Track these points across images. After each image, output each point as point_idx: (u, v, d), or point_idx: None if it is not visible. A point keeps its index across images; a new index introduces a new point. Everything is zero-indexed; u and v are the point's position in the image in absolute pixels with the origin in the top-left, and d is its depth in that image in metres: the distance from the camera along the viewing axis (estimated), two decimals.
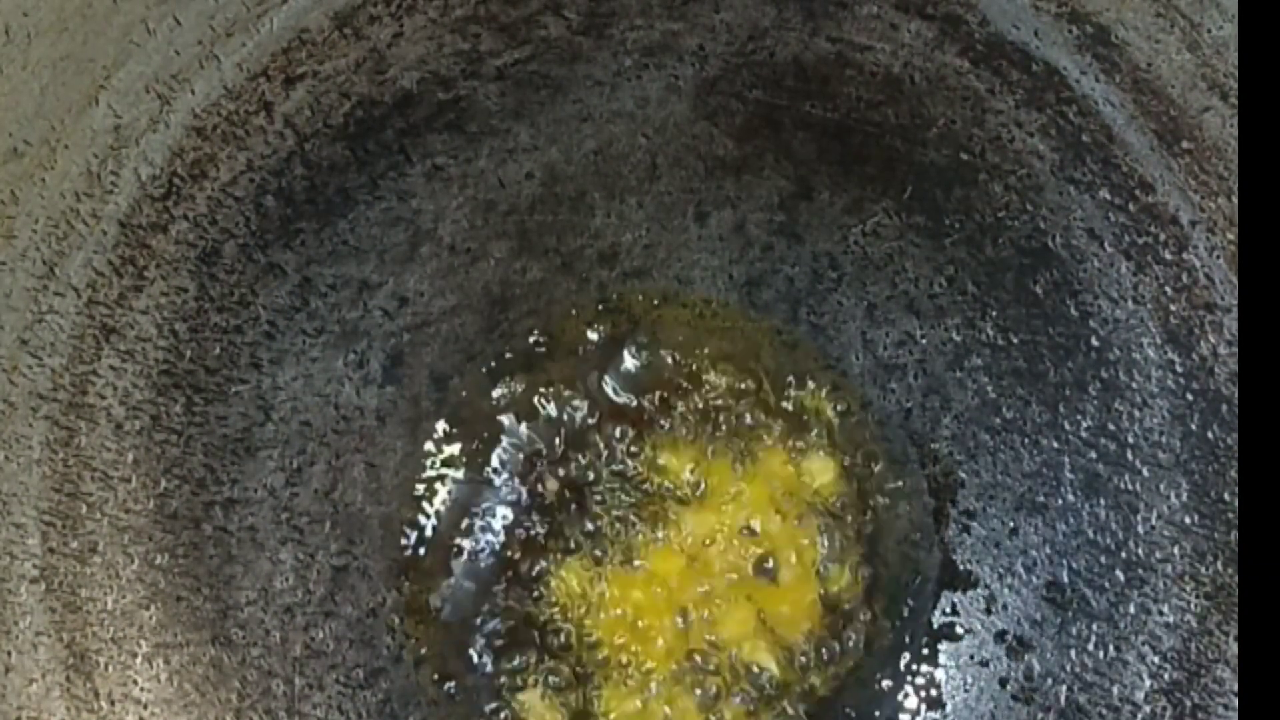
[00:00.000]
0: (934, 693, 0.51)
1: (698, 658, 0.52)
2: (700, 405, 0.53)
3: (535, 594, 0.52)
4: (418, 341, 0.52)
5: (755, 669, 0.52)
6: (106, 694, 0.47)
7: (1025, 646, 0.50)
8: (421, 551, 0.52)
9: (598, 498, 0.53)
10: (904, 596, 0.52)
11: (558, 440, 0.53)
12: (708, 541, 0.52)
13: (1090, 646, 0.49)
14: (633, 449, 0.53)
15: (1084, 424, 0.50)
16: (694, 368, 0.54)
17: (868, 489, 0.53)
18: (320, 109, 0.49)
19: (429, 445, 0.53)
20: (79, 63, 0.46)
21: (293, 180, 0.49)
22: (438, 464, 0.53)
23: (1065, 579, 0.50)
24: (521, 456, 0.53)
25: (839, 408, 0.53)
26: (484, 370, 0.53)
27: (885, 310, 0.52)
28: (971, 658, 0.51)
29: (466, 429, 0.53)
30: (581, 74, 0.51)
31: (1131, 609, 0.49)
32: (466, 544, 0.53)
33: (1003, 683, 0.50)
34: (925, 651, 0.52)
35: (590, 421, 0.53)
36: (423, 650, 0.52)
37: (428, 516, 0.53)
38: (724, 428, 0.53)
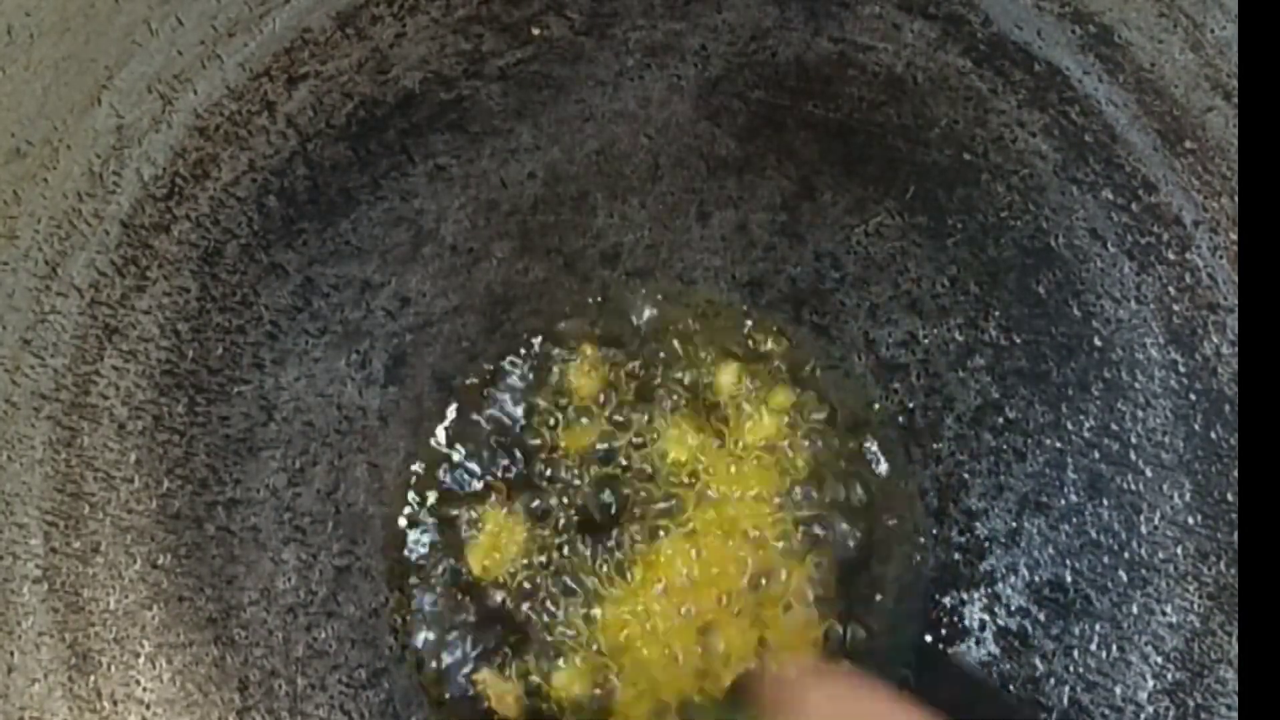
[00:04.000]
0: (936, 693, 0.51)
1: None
2: (705, 406, 0.53)
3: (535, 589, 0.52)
4: (420, 341, 0.52)
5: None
6: (109, 694, 0.47)
7: (1028, 647, 0.50)
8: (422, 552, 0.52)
9: (596, 499, 0.53)
10: (906, 597, 0.52)
11: (553, 442, 0.53)
12: (709, 547, 0.52)
13: (1093, 647, 0.49)
14: (635, 450, 0.53)
15: (1087, 424, 0.50)
16: (698, 367, 0.54)
17: (869, 488, 0.53)
18: (323, 109, 0.49)
19: (430, 445, 0.53)
20: (81, 63, 0.46)
21: (295, 180, 0.49)
22: (438, 465, 0.53)
23: (1068, 579, 0.50)
24: (521, 454, 0.53)
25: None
26: (486, 370, 0.53)
27: (888, 310, 0.52)
28: (974, 658, 0.51)
29: (467, 428, 0.53)
30: (584, 74, 0.51)
31: (1134, 609, 0.49)
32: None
33: (1006, 683, 0.50)
34: (928, 652, 0.51)
35: (591, 423, 0.53)
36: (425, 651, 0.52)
37: (429, 517, 0.53)
38: (729, 426, 0.53)
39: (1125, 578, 0.49)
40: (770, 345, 0.53)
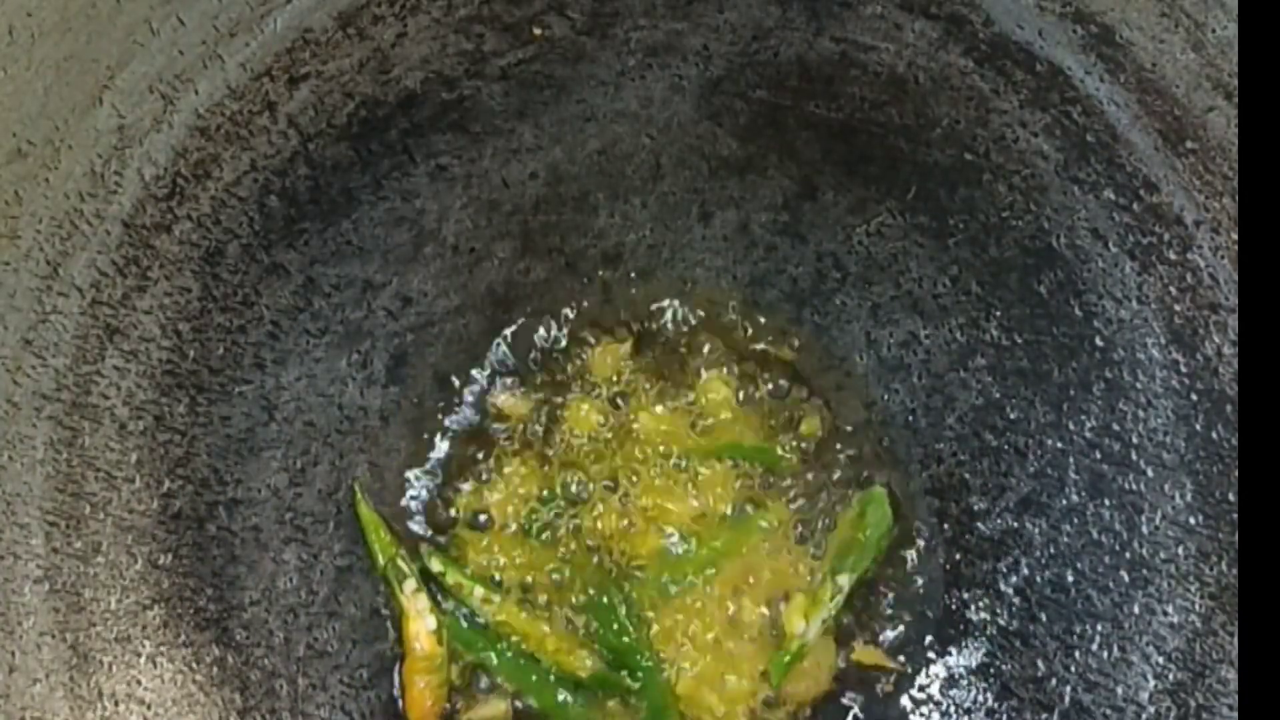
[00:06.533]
0: (938, 693, 0.51)
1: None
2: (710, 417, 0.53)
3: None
4: (421, 341, 0.52)
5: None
6: (110, 694, 0.47)
7: (1029, 646, 0.50)
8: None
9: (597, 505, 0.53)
10: (907, 597, 0.52)
11: (560, 439, 0.53)
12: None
13: (1094, 647, 0.49)
14: (640, 458, 0.53)
15: (1088, 424, 0.50)
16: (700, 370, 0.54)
17: (869, 489, 0.53)
18: (324, 109, 0.49)
19: (431, 444, 0.53)
20: (83, 63, 0.46)
21: (296, 180, 0.49)
22: (438, 464, 0.53)
23: (1069, 579, 0.50)
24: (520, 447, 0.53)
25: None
26: (486, 369, 0.53)
27: (889, 310, 0.52)
28: (975, 658, 0.51)
29: (468, 428, 0.53)
30: (585, 74, 0.51)
31: (1136, 609, 0.49)
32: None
33: (1007, 683, 0.50)
34: (929, 652, 0.52)
35: (603, 424, 0.53)
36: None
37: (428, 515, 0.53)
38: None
39: (1126, 578, 0.49)
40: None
